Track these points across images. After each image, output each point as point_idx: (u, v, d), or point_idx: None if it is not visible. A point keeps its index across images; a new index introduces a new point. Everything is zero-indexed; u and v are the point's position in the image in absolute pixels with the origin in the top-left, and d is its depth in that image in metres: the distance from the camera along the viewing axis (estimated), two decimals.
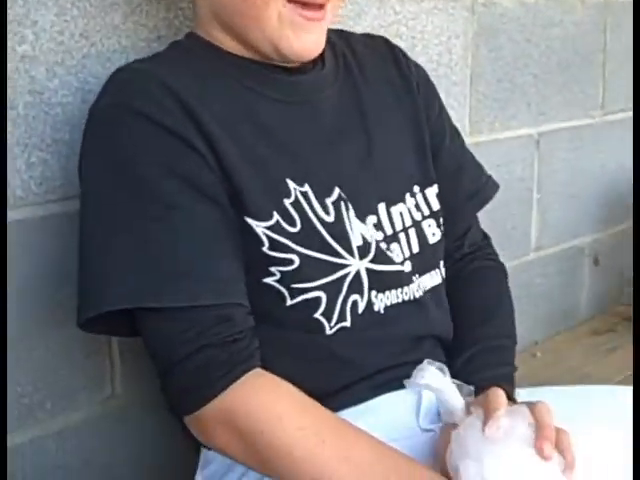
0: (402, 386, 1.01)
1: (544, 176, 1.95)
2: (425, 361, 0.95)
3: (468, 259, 1.21)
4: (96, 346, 1.19)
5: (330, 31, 1.14)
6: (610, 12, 2.06)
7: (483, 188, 1.23)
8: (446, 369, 0.95)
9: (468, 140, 1.39)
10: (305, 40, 1.01)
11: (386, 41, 1.21)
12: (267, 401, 0.92)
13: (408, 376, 0.95)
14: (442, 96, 1.23)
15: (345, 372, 1.02)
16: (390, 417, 1.01)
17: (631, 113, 2.15)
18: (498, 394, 0.94)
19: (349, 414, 0.98)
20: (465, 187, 1.20)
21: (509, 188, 1.78)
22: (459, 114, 1.29)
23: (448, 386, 0.94)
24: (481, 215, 1.25)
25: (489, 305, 1.17)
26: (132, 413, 1.25)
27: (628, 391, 1.10)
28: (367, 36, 1.22)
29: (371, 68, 1.14)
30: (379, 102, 1.12)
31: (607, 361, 1.84)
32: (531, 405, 0.91)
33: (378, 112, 1.11)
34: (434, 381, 0.93)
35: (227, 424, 0.91)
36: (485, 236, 1.27)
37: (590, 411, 1.05)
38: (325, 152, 1.04)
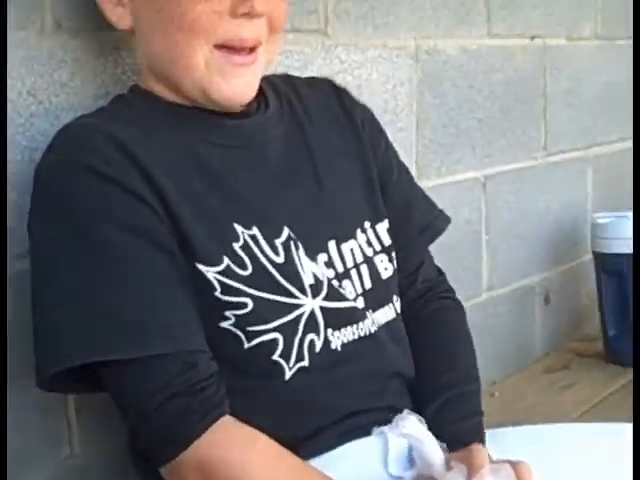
0: (368, 433, 1.01)
1: (491, 218, 1.97)
2: (405, 411, 0.95)
3: (425, 298, 1.20)
4: (51, 406, 1.16)
5: (274, 76, 1.15)
6: (549, 57, 2.11)
7: (434, 222, 1.22)
8: (424, 421, 0.95)
9: None
10: (234, 84, 1.00)
11: (330, 82, 1.22)
12: (240, 450, 0.91)
13: (375, 422, 0.95)
14: None
15: (310, 417, 1.01)
16: (359, 465, 1.00)
17: (570, 154, 2.19)
18: (481, 451, 0.94)
19: (318, 463, 0.97)
20: (415, 221, 1.20)
21: (458, 231, 1.80)
22: (406, 160, 1.31)
23: (429, 438, 0.94)
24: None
25: (453, 350, 1.16)
26: (92, 473, 1.22)
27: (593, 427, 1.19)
28: (312, 78, 1.24)
29: (315, 108, 1.15)
30: (325, 142, 1.12)
31: (562, 398, 1.84)
32: (513, 464, 0.92)
33: (325, 152, 1.11)
34: (415, 432, 0.94)
35: (201, 472, 0.90)
36: (440, 272, 1.26)
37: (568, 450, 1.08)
38: (273, 194, 1.04)
